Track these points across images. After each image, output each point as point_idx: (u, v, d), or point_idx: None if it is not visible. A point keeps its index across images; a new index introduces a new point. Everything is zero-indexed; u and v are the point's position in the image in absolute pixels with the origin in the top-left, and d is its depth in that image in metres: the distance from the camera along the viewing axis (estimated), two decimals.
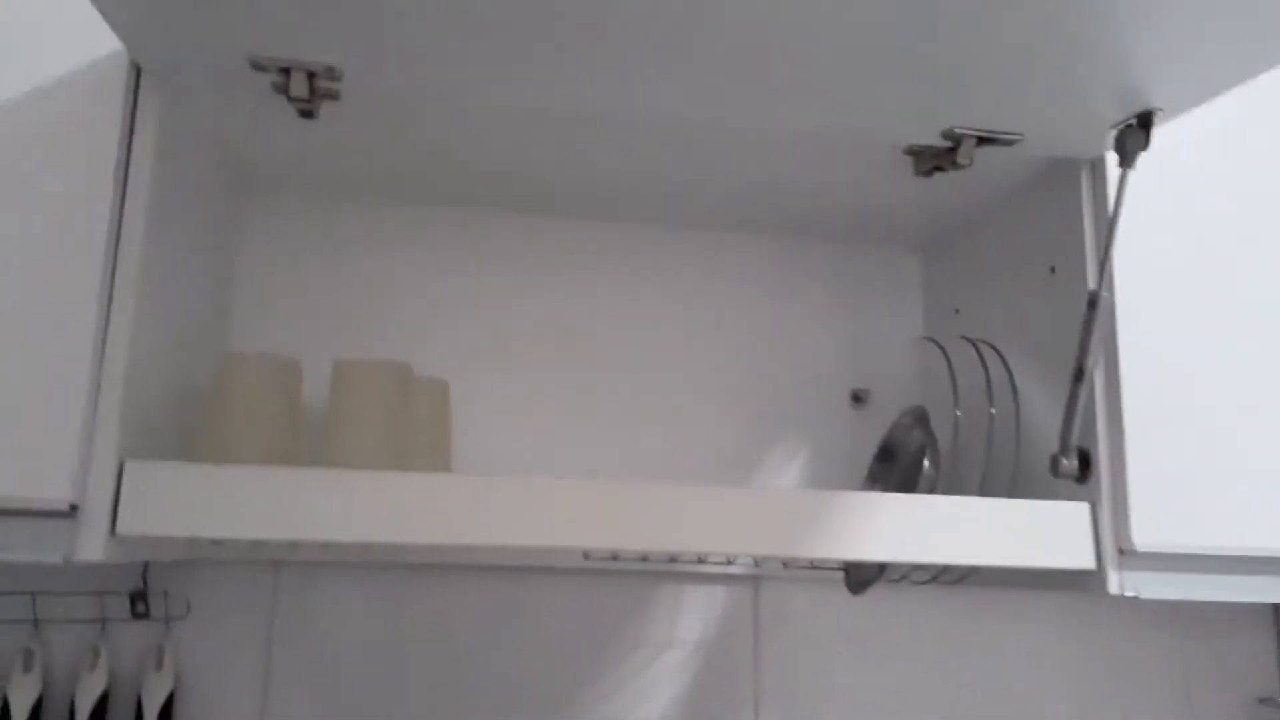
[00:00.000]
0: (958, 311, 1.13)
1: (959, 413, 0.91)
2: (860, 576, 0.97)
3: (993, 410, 0.90)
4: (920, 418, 0.97)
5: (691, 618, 1.12)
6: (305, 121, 0.90)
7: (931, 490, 0.91)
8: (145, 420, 0.81)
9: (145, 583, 1.03)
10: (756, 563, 1.08)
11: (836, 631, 1.14)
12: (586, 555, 1.02)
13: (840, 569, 1.04)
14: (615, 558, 1.01)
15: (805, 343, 1.18)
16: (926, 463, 0.91)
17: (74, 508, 0.73)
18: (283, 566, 1.06)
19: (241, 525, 0.76)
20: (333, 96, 0.86)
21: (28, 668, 0.98)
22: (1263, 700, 1.19)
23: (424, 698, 1.06)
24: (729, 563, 1.07)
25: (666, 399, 1.15)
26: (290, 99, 0.83)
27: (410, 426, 0.90)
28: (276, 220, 1.11)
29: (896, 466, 1.02)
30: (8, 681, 0.97)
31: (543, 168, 1.04)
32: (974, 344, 0.95)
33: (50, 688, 0.99)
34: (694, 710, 1.10)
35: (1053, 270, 0.94)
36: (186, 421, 0.91)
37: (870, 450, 1.13)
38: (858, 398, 1.17)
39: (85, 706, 0.97)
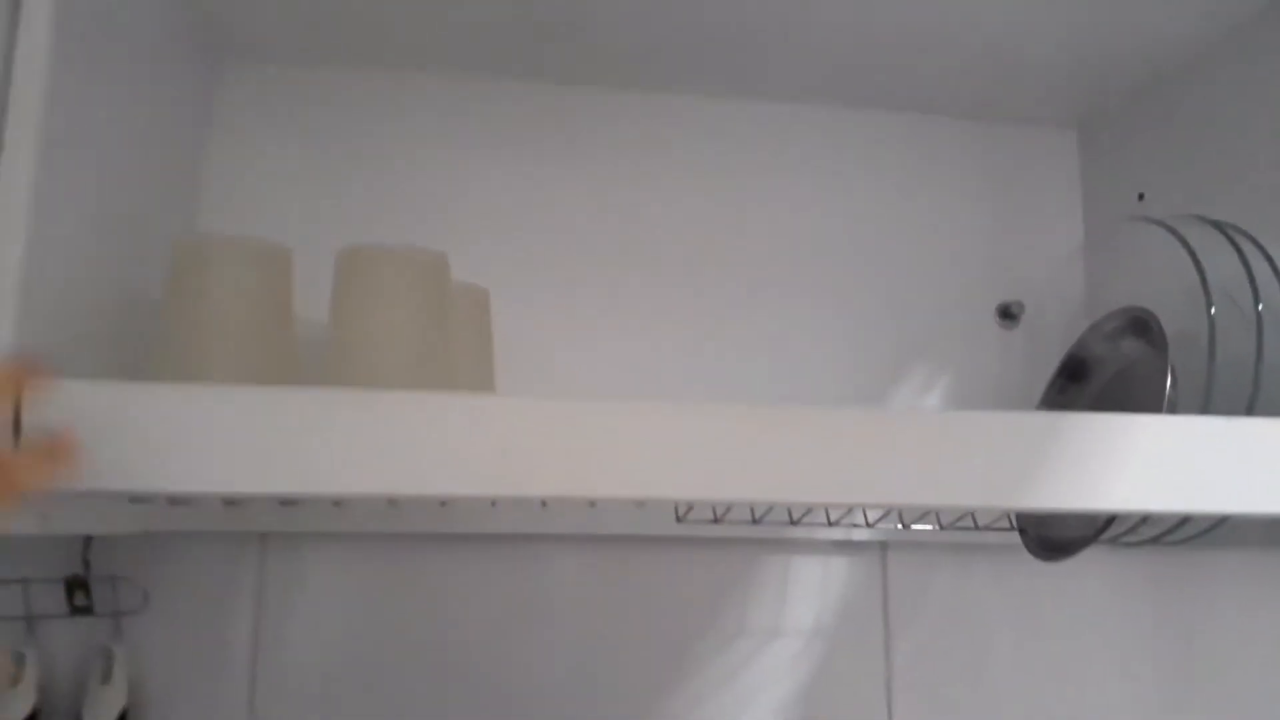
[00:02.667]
0: (1142, 197, 0.88)
1: (1214, 310, 0.66)
2: (1059, 534, 0.72)
3: (1259, 309, 0.65)
4: (1137, 323, 0.72)
5: (804, 598, 0.87)
6: None
7: None
8: (66, 328, 0.55)
9: (87, 565, 0.76)
10: (870, 522, 0.82)
11: (991, 612, 0.89)
12: (680, 517, 0.76)
13: (1014, 528, 0.79)
14: (717, 519, 0.75)
15: (939, 245, 0.93)
16: (1170, 382, 0.66)
17: None
18: (272, 540, 0.80)
19: (224, 474, 0.49)
20: None
21: None
22: None
23: (471, 704, 0.80)
24: (832, 523, 0.82)
25: (766, 315, 0.89)
26: None
27: (450, 341, 0.64)
28: (257, 90, 0.84)
29: (1089, 389, 0.77)
30: None
31: (599, 22, 0.78)
32: (1220, 227, 0.70)
33: None
34: (812, 716, 0.85)
35: None
36: (137, 336, 0.64)
37: (1025, 377, 0.89)
38: (1007, 313, 0.92)
39: None
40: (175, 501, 0.65)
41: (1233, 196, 0.78)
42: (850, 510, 0.78)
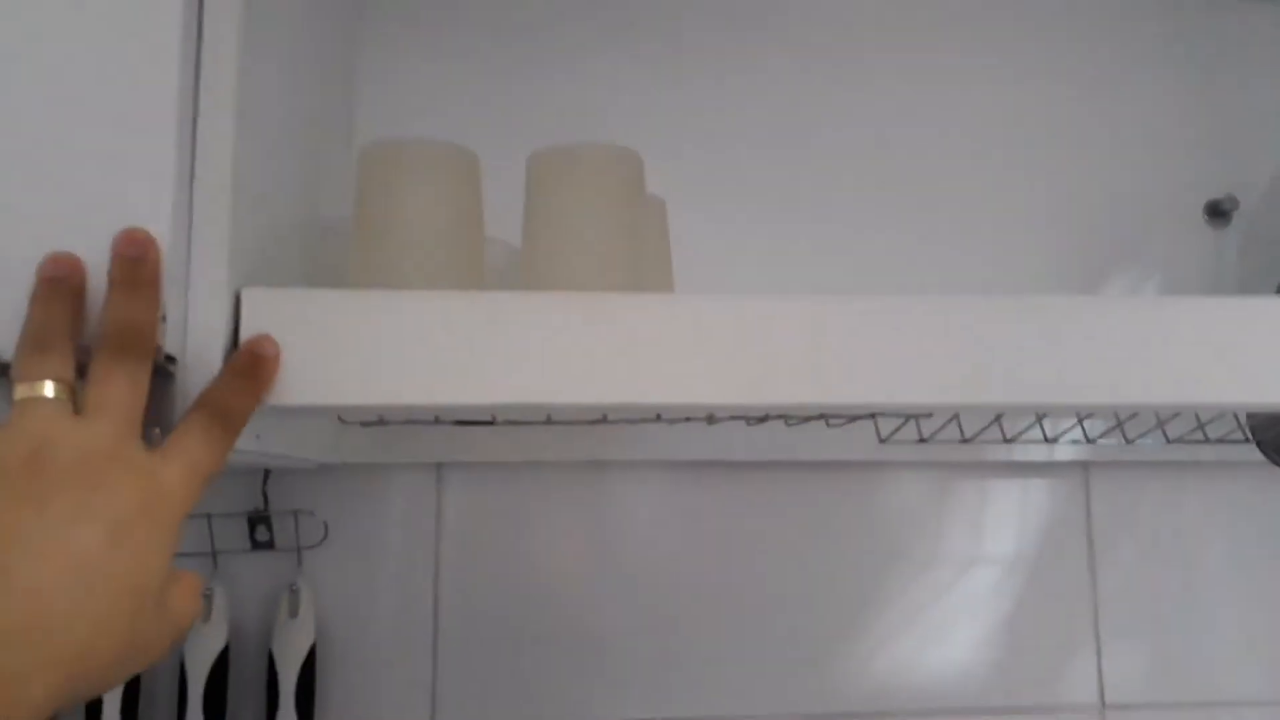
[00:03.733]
0: None
1: None
2: None
3: None
4: None
5: (1001, 524, 0.82)
6: None
7: None
8: (263, 244, 0.52)
9: (266, 499, 0.75)
10: (1090, 437, 0.75)
11: (1201, 534, 0.82)
12: (884, 438, 0.71)
13: (1247, 439, 0.72)
14: (924, 439, 0.70)
15: (1139, 135, 0.85)
16: None
17: (170, 360, 0.44)
18: (449, 470, 0.77)
19: (448, 385, 0.46)
20: None
21: None
22: None
23: (647, 634, 0.77)
24: (1050, 440, 0.75)
25: (948, 214, 0.82)
26: None
27: (642, 245, 0.59)
28: None
29: None
30: None
31: None
32: None
33: None
34: (1013, 647, 0.80)
35: None
36: (319, 254, 0.61)
37: (1241, 280, 0.81)
38: (1218, 210, 0.84)
39: (200, 670, 0.70)
40: (369, 423, 0.62)
41: None
42: (1072, 425, 0.72)
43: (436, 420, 0.65)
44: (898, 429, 0.69)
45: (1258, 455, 0.75)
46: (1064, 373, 0.50)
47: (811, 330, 0.49)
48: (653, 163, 0.59)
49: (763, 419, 0.67)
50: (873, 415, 0.66)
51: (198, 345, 0.44)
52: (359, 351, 0.46)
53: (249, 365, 0.43)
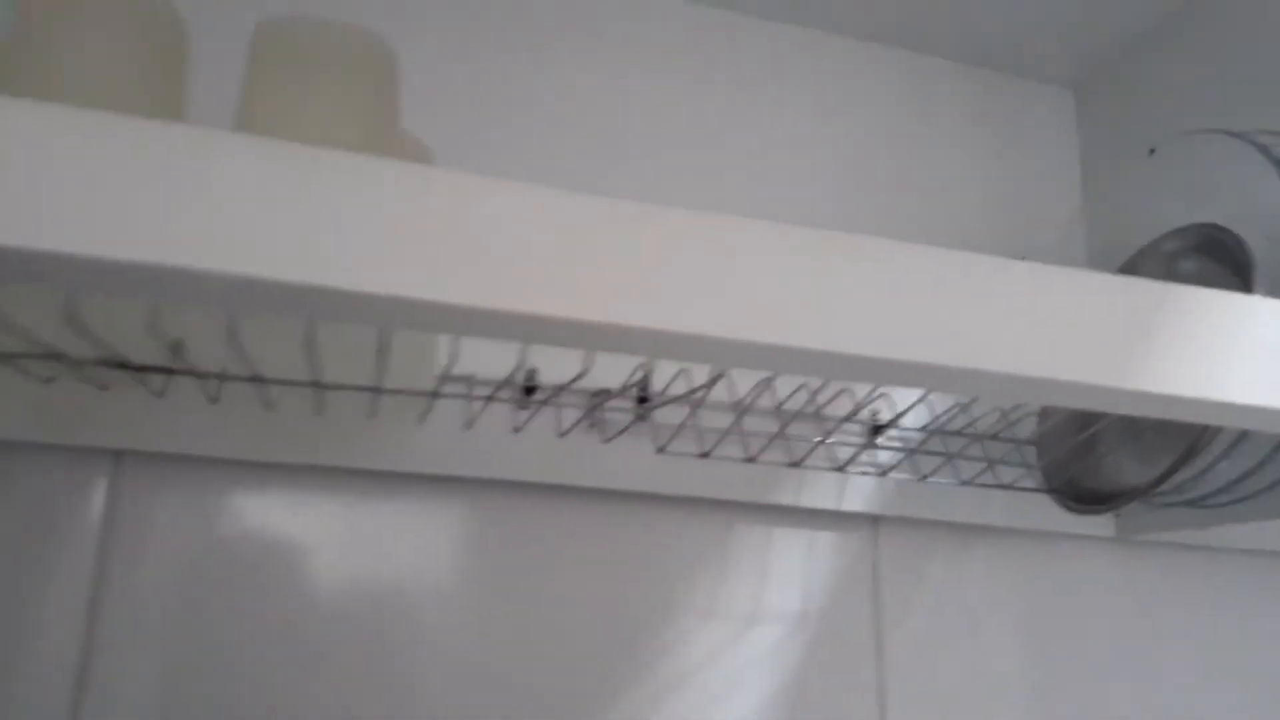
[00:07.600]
0: (1153, 152, 0.81)
1: None
2: (1101, 485, 0.61)
3: None
4: (1211, 241, 0.62)
5: (786, 577, 0.73)
6: None
7: None
8: None
9: None
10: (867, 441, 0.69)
11: (989, 599, 0.77)
12: (661, 449, 0.62)
13: (1045, 489, 0.67)
14: (705, 454, 0.61)
15: (939, 195, 0.83)
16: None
17: None
18: (128, 459, 0.61)
19: (109, 232, 0.33)
20: None
21: None
22: None
23: (357, 681, 0.62)
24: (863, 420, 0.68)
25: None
26: None
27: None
28: None
29: None
30: None
31: None
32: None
33: None
34: (793, 714, 0.70)
35: None
36: None
37: None
38: None
39: None
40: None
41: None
42: (881, 395, 0.63)
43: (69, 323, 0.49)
44: (671, 438, 0.59)
45: (1039, 522, 0.71)
46: (921, 325, 0.42)
47: (563, 232, 0.40)
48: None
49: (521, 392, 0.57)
50: (643, 400, 0.57)
51: None
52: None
53: None
